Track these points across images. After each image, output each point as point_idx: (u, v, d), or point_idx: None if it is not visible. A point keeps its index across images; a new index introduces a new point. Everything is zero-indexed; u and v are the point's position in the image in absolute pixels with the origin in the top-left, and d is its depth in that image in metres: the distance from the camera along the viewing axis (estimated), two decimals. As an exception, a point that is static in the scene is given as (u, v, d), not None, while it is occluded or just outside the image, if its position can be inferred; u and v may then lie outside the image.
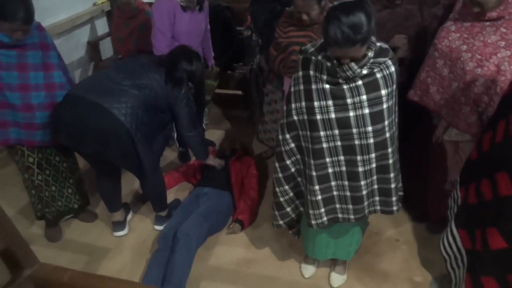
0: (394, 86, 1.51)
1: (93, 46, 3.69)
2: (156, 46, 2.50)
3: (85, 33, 3.74)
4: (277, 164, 1.78)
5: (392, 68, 1.48)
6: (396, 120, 1.62)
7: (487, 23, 1.66)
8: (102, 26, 3.90)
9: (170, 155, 3.10)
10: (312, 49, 1.51)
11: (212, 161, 2.53)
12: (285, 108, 1.66)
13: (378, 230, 2.36)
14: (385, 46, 1.50)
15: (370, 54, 1.41)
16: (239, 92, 3.57)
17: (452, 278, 1.74)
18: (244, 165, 2.70)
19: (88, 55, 3.75)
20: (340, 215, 1.74)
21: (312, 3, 1.87)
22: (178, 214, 2.31)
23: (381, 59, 1.46)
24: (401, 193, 1.78)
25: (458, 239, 1.64)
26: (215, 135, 3.38)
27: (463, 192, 1.63)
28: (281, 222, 1.92)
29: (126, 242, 2.34)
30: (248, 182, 2.60)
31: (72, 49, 3.55)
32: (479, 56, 1.65)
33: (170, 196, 2.63)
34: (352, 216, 1.71)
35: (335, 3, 1.34)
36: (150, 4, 2.80)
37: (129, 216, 2.48)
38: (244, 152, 2.86)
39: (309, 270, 2.10)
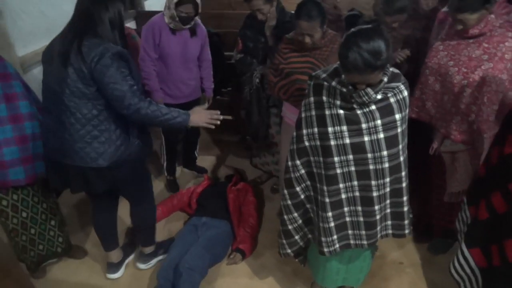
0: (407, 110, 1.51)
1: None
2: (141, 65, 2.45)
3: (67, 59, 3.62)
4: (285, 191, 1.73)
5: (405, 93, 1.48)
6: (406, 142, 1.62)
7: (471, 40, 1.80)
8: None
9: (158, 185, 2.99)
10: (324, 75, 1.50)
11: (198, 118, 1.82)
12: (295, 134, 1.63)
13: (381, 253, 2.33)
14: (397, 71, 1.51)
15: (385, 79, 1.41)
16: (229, 117, 3.53)
17: None
18: (241, 192, 2.64)
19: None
20: (352, 242, 1.70)
21: (316, 25, 1.88)
22: (177, 246, 2.20)
23: (394, 84, 1.46)
24: (411, 216, 1.77)
25: (470, 260, 1.64)
26: (206, 161, 3.31)
27: (473, 210, 1.64)
28: (289, 251, 1.86)
29: (121, 279, 2.20)
30: (246, 209, 2.54)
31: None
32: (464, 69, 1.78)
33: (162, 227, 2.52)
34: (365, 242, 1.68)
35: (352, 29, 1.34)
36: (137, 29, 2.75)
37: (129, 258, 2.33)
38: (240, 178, 2.80)
39: (316, 298, 2.04)
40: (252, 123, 2.60)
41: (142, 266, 2.25)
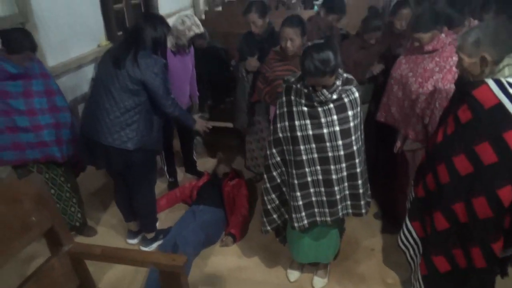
0: (359, 109, 1.86)
1: (95, 82, 4.05)
2: None
3: (90, 71, 4.09)
4: (265, 175, 2.09)
5: (356, 94, 1.84)
6: (362, 136, 1.96)
7: (426, 55, 2.16)
8: (105, 65, 4.28)
9: (160, 186, 3.30)
10: (292, 79, 1.88)
11: (199, 125, 2.47)
12: (271, 127, 2.00)
13: (355, 240, 2.64)
14: (350, 76, 1.88)
15: (338, 82, 1.78)
16: (230, 124, 3.92)
17: (411, 267, 2.01)
18: (236, 186, 2.99)
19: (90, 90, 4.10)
20: (318, 218, 2.03)
21: (297, 32, 2.27)
22: (177, 226, 2.57)
23: (347, 87, 1.83)
24: (369, 199, 2.09)
25: (413, 231, 1.95)
26: (208, 162, 3.69)
27: (415, 190, 1.96)
28: (268, 228, 2.20)
29: (129, 254, 2.56)
30: (239, 200, 2.89)
31: (77, 85, 3.89)
32: (420, 79, 2.14)
33: (165, 216, 2.89)
34: (328, 218, 2.01)
35: (309, 43, 1.73)
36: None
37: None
38: (235, 174, 3.16)
39: (294, 275, 2.36)
40: (238, 108, 2.97)
41: (145, 248, 2.62)
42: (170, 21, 2.42)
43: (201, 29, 2.74)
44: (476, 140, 1.50)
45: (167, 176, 3.29)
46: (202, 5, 6.73)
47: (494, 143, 1.45)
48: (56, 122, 2.26)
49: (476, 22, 2.64)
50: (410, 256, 1.98)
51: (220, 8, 7.48)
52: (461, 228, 1.62)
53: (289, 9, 6.23)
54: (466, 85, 1.59)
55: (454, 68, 2.10)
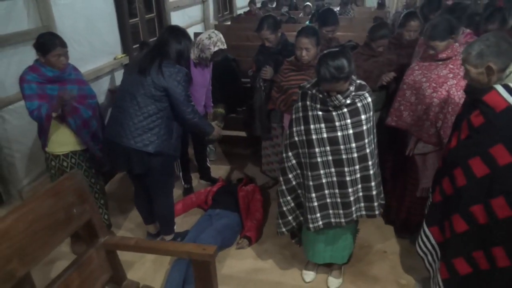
0: (371, 113, 1.96)
1: (113, 93, 4.19)
2: None
3: (106, 82, 4.25)
4: (281, 178, 2.18)
5: (369, 99, 1.95)
6: (375, 140, 2.06)
7: (440, 62, 2.27)
8: (120, 77, 4.43)
9: (176, 192, 3.30)
10: (308, 85, 1.99)
11: (215, 132, 2.61)
12: (288, 131, 2.11)
13: (368, 244, 2.71)
14: (363, 82, 1.98)
15: (352, 88, 1.89)
16: (243, 133, 4.03)
17: (430, 273, 2.07)
18: (250, 191, 3.09)
19: (108, 101, 4.24)
20: (333, 220, 2.11)
21: (312, 42, 2.40)
22: (194, 230, 2.66)
23: (360, 92, 1.93)
24: (382, 202, 2.17)
25: (431, 237, 2.00)
26: (222, 170, 3.80)
27: (432, 196, 2.03)
28: (283, 229, 2.28)
29: (148, 256, 2.64)
30: (253, 205, 2.98)
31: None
32: (434, 84, 2.23)
33: (181, 220, 2.99)
34: (343, 220, 2.09)
35: (325, 51, 1.84)
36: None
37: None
38: (249, 180, 3.25)
39: (309, 275, 2.42)
40: (256, 117, 3.10)
41: None
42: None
43: (225, 45, 2.92)
44: (490, 142, 1.58)
45: (183, 182, 3.39)
46: (211, 19, 6.93)
47: (508, 144, 1.53)
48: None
49: (468, 30, 2.77)
50: (429, 261, 2.02)
51: (229, 23, 7.70)
52: (480, 230, 1.67)
53: (296, 23, 6.40)
54: (476, 92, 1.68)
55: None
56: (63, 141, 2.39)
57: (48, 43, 2.22)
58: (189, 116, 2.33)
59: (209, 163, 3.60)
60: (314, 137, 1.96)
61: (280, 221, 2.27)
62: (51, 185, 1.28)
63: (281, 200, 2.22)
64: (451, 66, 2.24)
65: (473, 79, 1.68)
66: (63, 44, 2.28)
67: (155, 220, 2.71)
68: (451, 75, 2.22)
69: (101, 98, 4.19)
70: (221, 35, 2.92)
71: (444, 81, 2.22)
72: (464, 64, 1.68)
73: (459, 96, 2.17)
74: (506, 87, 1.58)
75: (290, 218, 2.25)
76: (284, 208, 2.22)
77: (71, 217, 1.30)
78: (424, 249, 2.07)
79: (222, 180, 3.28)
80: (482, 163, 1.62)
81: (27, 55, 2.53)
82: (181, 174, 3.36)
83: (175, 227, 2.78)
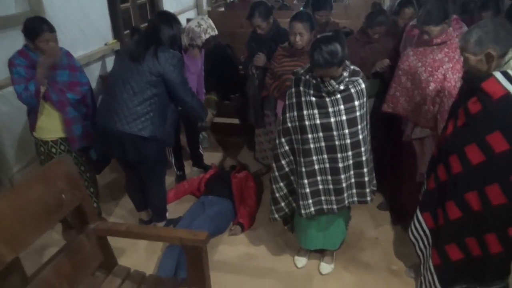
0: (365, 99, 1.95)
1: (104, 79, 4.13)
2: None
3: (97, 68, 4.19)
4: (274, 165, 2.17)
5: (363, 85, 1.93)
6: (368, 127, 2.05)
7: (435, 47, 2.25)
8: (111, 63, 4.37)
9: (167, 179, 3.36)
10: (302, 71, 1.97)
11: (209, 118, 2.69)
12: (281, 117, 2.09)
13: (360, 231, 2.73)
14: (357, 68, 1.97)
15: (345, 74, 1.87)
16: (236, 121, 4.01)
17: (421, 259, 2.09)
18: (243, 178, 3.08)
19: (99, 87, 4.19)
20: (325, 206, 2.11)
21: (306, 27, 2.37)
22: (187, 217, 2.66)
23: (354, 78, 1.92)
24: (374, 188, 2.18)
25: (423, 223, 2.01)
26: (215, 157, 3.78)
27: (427, 183, 2.03)
28: (276, 215, 2.28)
29: (140, 242, 2.63)
30: (247, 192, 2.97)
31: (88, 81, 3.99)
32: (430, 69, 2.22)
33: (174, 207, 2.98)
34: (335, 206, 2.09)
35: (318, 36, 1.82)
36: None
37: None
38: (242, 167, 3.25)
39: (301, 261, 2.44)
40: (249, 105, 3.08)
41: None
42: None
43: (215, 31, 2.87)
44: (487, 130, 1.58)
45: (175, 169, 3.37)
46: (205, 5, 6.84)
47: (505, 132, 1.53)
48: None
49: (454, 16, 2.75)
50: (420, 247, 2.04)
51: (222, 9, 7.60)
52: (474, 217, 1.68)
53: (290, 10, 6.33)
54: (474, 79, 1.66)
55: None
56: (52, 127, 2.35)
57: (35, 28, 2.16)
58: (187, 99, 2.33)
59: (202, 150, 3.58)
60: (307, 123, 1.95)
61: (272, 207, 2.27)
62: (40, 170, 1.26)
63: (273, 186, 2.22)
64: (446, 50, 2.23)
65: (472, 67, 1.66)
66: (51, 29, 2.22)
67: (147, 207, 2.69)
68: (446, 59, 2.21)
69: (92, 84, 4.13)
70: (210, 21, 2.87)
71: (440, 65, 2.21)
72: (463, 52, 1.67)
73: (455, 79, 2.17)
74: (505, 74, 1.57)
75: (282, 204, 2.25)
76: (277, 195, 2.22)
77: (61, 202, 1.28)
78: (416, 234, 2.08)
79: (215, 167, 3.27)
80: (478, 150, 1.61)
81: (17, 40, 2.47)
82: (173, 161, 3.34)
83: (167, 214, 2.77)
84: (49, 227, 1.29)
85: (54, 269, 1.26)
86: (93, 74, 4.07)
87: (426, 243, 2.03)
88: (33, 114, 2.34)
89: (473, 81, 1.67)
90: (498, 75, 1.57)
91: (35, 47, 2.18)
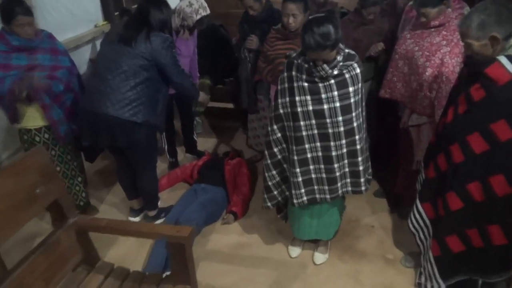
0: (360, 85, 1.86)
1: (94, 62, 4.01)
2: None
3: (87, 51, 4.06)
4: (266, 152, 2.09)
5: (358, 70, 1.83)
6: (363, 113, 1.96)
7: (433, 30, 2.14)
8: (102, 45, 4.24)
9: (160, 166, 3.24)
10: (294, 55, 1.87)
11: (202, 97, 2.74)
12: (273, 103, 2.00)
13: (356, 218, 2.67)
14: (352, 52, 1.86)
15: (339, 58, 1.77)
16: (230, 105, 3.91)
17: (421, 250, 2.04)
18: (236, 165, 3.00)
19: (90, 71, 4.07)
20: (317, 196, 2.04)
21: (299, 7, 2.26)
22: (179, 205, 2.60)
23: (348, 63, 1.82)
24: (369, 177, 2.11)
25: (423, 213, 1.95)
26: (208, 143, 3.70)
27: (426, 172, 1.96)
28: (269, 204, 2.21)
29: (131, 233, 2.59)
30: (240, 179, 2.90)
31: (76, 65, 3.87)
32: (427, 53, 2.12)
33: (166, 195, 2.91)
34: (328, 196, 2.02)
35: (310, 17, 1.71)
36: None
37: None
38: (236, 154, 3.17)
39: (295, 251, 2.39)
40: (242, 89, 2.99)
41: None
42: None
43: (207, 11, 2.75)
44: (492, 118, 1.49)
45: (168, 156, 3.30)
46: (199, -15, 6.62)
47: (511, 120, 1.44)
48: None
49: None
50: (420, 238, 1.98)
51: (218, -11, 7.38)
52: (476, 207, 1.62)
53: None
54: (477, 64, 1.56)
55: (461, 42, 2.09)
56: (36, 115, 2.26)
57: (7, 11, 2.03)
58: (178, 80, 2.27)
59: (196, 136, 3.50)
60: (299, 109, 1.86)
61: (265, 195, 2.20)
62: (11, 164, 1.18)
63: (266, 174, 2.14)
64: (445, 33, 2.12)
65: (476, 52, 1.55)
66: (27, 12, 2.08)
67: (138, 195, 2.63)
68: (444, 42, 2.11)
69: (83, 68, 4.02)
70: (202, 1, 2.74)
71: (437, 49, 2.11)
72: (464, 39, 1.56)
73: (453, 64, 2.07)
74: (510, 58, 1.47)
75: (275, 192, 2.18)
76: (270, 183, 2.15)
77: (35, 197, 1.20)
78: (416, 225, 2.02)
79: (208, 154, 3.20)
80: (482, 139, 1.53)
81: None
82: (166, 147, 3.26)
83: (159, 202, 2.71)
84: (24, 222, 1.22)
85: (29, 268, 1.19)
86: (83, 57, 3.94)
87: (426, 233, 1.97)
88: (11, 110, 2.22)
89: (475, 66, 1.57)
90: (502, 59, 1.47)
91: (12, 31, 2.07)
